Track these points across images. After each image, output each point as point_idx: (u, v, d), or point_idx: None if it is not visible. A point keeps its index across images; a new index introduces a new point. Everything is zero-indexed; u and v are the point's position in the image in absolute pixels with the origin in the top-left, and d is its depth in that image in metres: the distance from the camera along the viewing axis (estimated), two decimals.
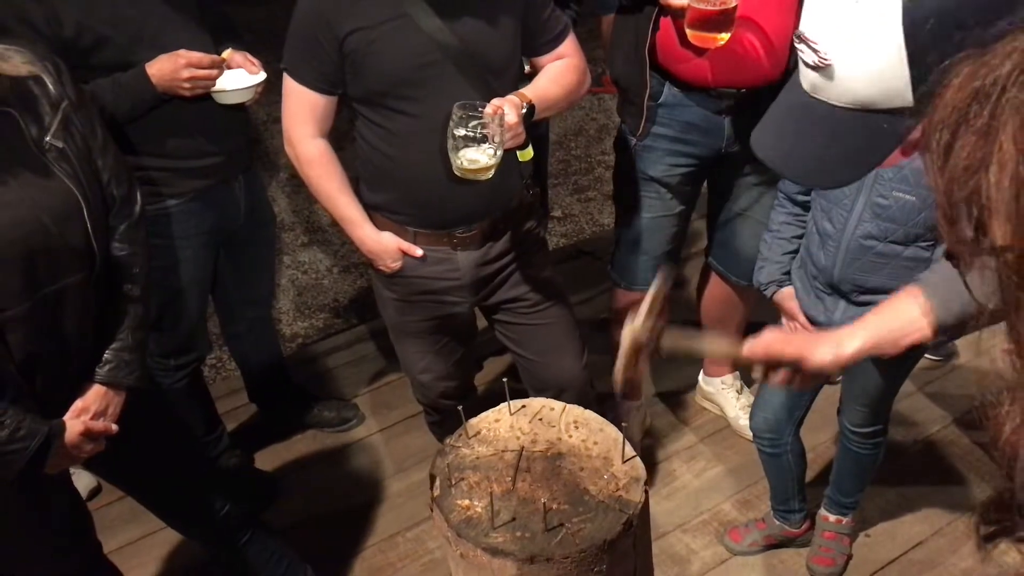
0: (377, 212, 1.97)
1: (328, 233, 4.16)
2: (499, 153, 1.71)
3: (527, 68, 2.04)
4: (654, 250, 2.49)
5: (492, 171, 1.73)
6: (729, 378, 2.91)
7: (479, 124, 1.67)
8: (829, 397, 2.27)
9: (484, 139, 1.69)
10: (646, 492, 1.38)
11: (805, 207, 1.96)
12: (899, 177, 1.71)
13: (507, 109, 1.71)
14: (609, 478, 1.40)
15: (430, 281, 2.01)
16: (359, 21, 1.74)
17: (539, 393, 2.14)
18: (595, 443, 1.47)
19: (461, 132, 1.67)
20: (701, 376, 2.98)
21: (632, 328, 1.37)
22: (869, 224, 1.77)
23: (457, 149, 1.70)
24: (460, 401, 2.30)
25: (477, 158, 1.70)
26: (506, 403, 1.57)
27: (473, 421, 1.56)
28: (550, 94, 1.89)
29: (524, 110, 1.77)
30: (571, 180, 4.57)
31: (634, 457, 1.44)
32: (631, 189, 2.42)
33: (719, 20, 1.94)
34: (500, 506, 1.35)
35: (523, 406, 1.57)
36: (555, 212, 4.26)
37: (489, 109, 1.69)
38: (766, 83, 2.14)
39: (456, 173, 1.73)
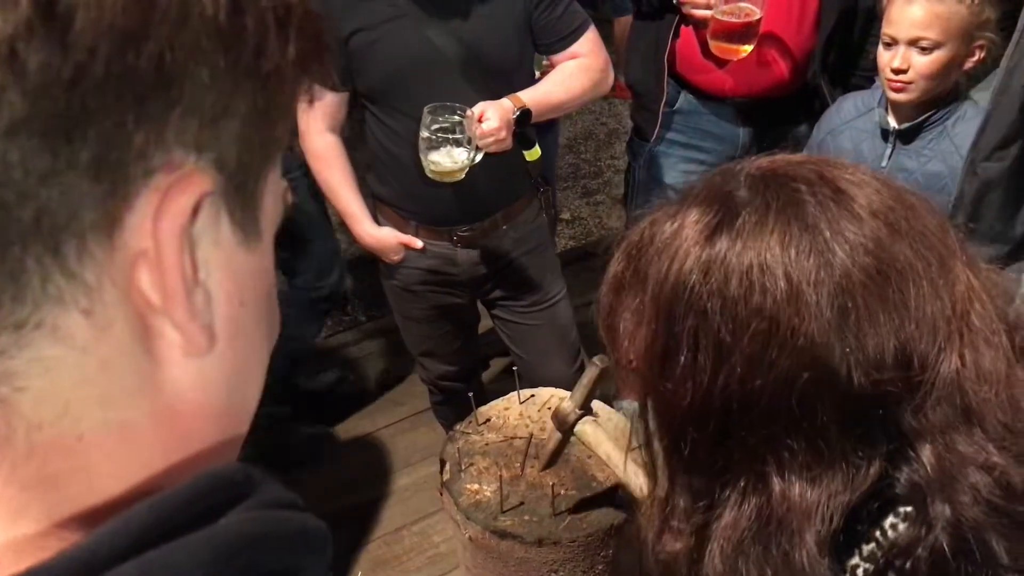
0: (383, 204, 2.00)
1: (337, 231, 4.19)
2: (467, 157, 1.72)
3: (545, 62, 2.03)
4: None
5: (460, 174, 1.74)
6: None
7: (440, 128, 1.69)
8: None
9: (449, 142, 1.70)
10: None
11: None
12: (910, 181, 1.73)
13: (490, 114, 1.71)
14: None
15: (430, 273, 2.04)
16: (361, 21, 1.75)
17: None
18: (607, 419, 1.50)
19: (425, 134, 1.69)
20: None
21: (561, 409, 1.31)
22: None
23: (423, 151, 1.72)
24: (462, 383, 2.33)
25: (439, 160, 1.71)
26: (516, 392, 1.59)
27: (483, 409, 1.58)
28: (552, 98, 1.87)
29: (515, 115, 1.77)
30: (580, 183, 4.60)
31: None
32: (643, 195, 2.43)
33: (743, 32, 1.94)
34: (509, 491, 1.38)
35: (532, 395, 1.60)
36: (564, 215, 4.28)
37: (469, 112, 1.70)
38: (785, 94, 2.16)
39: (427, 174, 1.76)
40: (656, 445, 0.76)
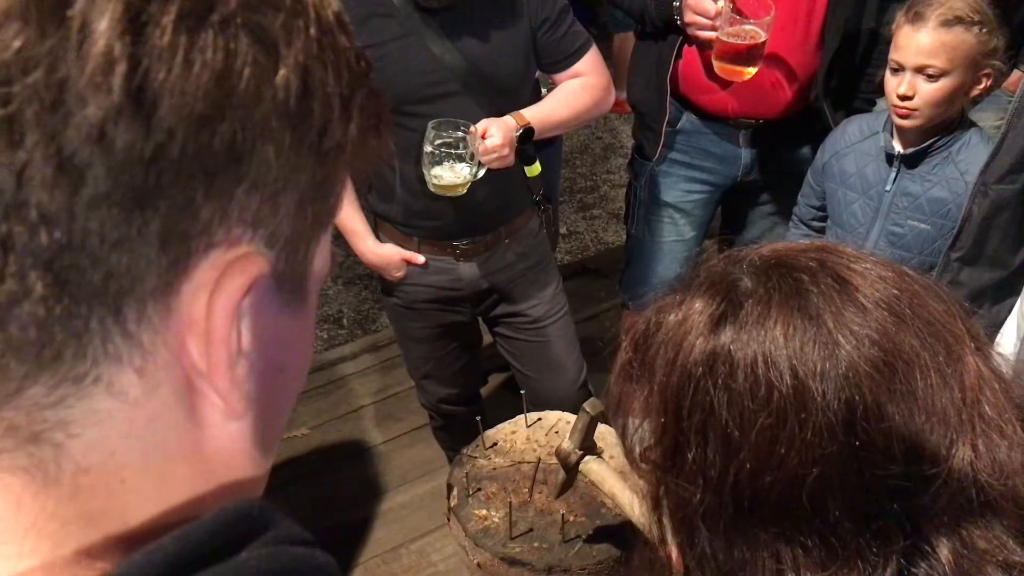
0: (385, 221, 2.00)
1: (333, 245, 4.17)
2: (470, 172, 1.74)
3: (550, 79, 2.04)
4: (665, 274, 2.50)
5: (462, 189, 1.77)
6: None
7: (444, 143, 1.71)
8: None
9: (452, 158, 1.72)
10: None
11: (820, 232, 1.99)
12: (914, 206, 1.74)
13: (493, 131, 1.73)
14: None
15: (432, 290, 2.03)
16: (368, 38, 1.75)
17: (537, 408, 2.16)
18: (611, 457, 1.49)
19: (428, 149, 1.72)
20: None
21: (562, 449, 1.33)
22: (884, 252, 1.80)
23: (426, 165, 1.74)
24: (463, 407, 2.32)
25: (442, 175, 1.74)
26: (522, 415, 1.58)
27: (490, 432, 1.57)
28: (555, 116, 1.89)
29: (518, 132, 1.79)
30: (576, 198, 4.60)
31: None
32: (643, 213, 2.44)
33: (748, 54, 1.95)
34: (517, 517, 1.37)
35: (539, 419, 1.59)
36: (560, 229, 4.28)
37: (472, 128, 1.71)
38: (787, 115, 2.17)
39: (430, 189, 1.77)
40: (670, 540, 0.75)
